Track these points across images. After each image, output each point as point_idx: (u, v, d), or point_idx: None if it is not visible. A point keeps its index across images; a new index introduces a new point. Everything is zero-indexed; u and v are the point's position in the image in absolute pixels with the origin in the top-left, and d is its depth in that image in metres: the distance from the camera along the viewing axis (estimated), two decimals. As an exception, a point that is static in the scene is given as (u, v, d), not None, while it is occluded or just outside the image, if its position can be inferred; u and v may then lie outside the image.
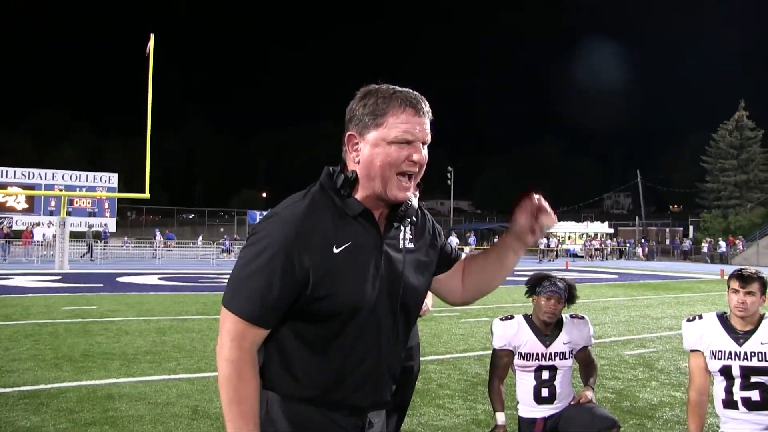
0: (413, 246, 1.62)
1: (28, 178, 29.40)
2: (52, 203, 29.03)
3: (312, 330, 1.48)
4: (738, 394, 2.82)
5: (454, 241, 32.56)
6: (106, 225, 30.00)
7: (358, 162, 1.50)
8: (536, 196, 1.62)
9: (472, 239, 36.36)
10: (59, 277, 16.46)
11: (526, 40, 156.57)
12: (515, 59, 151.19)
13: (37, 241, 24.95)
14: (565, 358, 3.29)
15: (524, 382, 3.31)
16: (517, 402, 3.37)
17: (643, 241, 41.61)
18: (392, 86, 1.52)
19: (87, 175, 31.02)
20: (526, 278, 3.45)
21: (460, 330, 8.83)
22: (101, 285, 14.60)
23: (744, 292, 2.83)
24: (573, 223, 45.04)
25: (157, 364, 6.27)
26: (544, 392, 3.26)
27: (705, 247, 37.70)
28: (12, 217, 28.41)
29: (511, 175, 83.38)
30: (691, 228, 43.80)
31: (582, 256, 37.51)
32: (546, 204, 1.62)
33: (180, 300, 11.95)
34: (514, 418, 3.44)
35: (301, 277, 1.43)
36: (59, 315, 9.45)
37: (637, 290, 16.57)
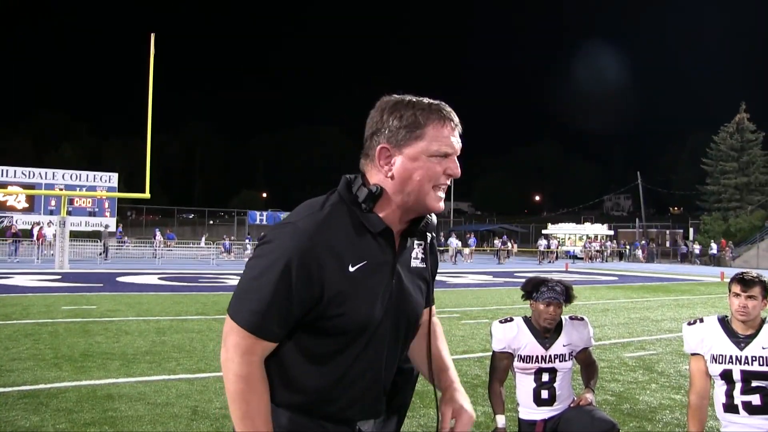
0: (423, 265, 1.60)
1: (29, 177, 29.44)
2: (53, 203, 29.06)
3: (315, 344, 1.45)
4: (739, 398, 2.81)
5: (454, 242, 32.55)
6: (120, 225, 30.03)
7: (391, 176, 1.44)
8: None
9: (472, 240, 36.32)
10: (59, 277, 16.46)
11: (525, 41, 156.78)
12: (514, 60, 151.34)
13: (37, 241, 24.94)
14: (565, 360, 3.29)
15: (524, 385, 3.31)
16: (517, 404, 3.37)
17: (643, 242, 41.62)
18: (421, 98, 1.49)
19: (87, 175, 31.07)
20: (524, 280, 3.45)
21: (459, 332, 8.83)
22: (101, 285, 14.59)
23: (745, 296, 2.82)
24: (573, 224, 45.07)
25: (156, 364, 6.27)
26: (544, 394, 3.26)
27: (697, 249, 37.92)
28: (12, 216, 28.41)
29: (511, 176, 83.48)
30: (691, 230, 43.79)
31: (582, 258, 37.50)
32: None
33: (180, 300, 11.95)
34: (514, 420, 3.44)
35: (315, 293, 1.38)
36: (59, 315, 9.45)
37: (637, 292, 16.57)
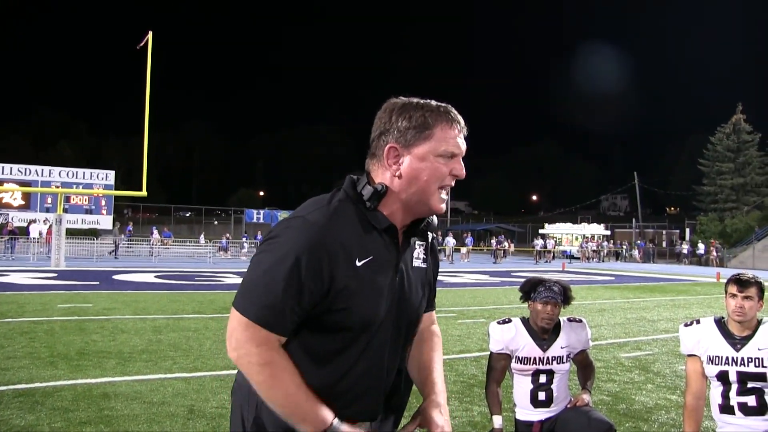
0: (424, 265, 1.63)
1: (25, 174, 29.34)
2: (49, 200, 28.96)
3: (319, 342, 1.46)
4: (735, 400, 2.82)
5: (451, 241, 32.56)
6: (130, 222, 29.94)
7: (399, 175, 1.48)
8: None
9: (469, 240, 36.33)
10: (55, 275, 16.41)
11: (524, 42, 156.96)
12: (513, 60, 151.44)
13: (33, 238, 24.85)
14: (563, 362, 3.29)
15: (521, 386, 3.31)
16: (514, 405, 3.37)
17: (638, 243, 41.70)
18: (428, 100, 1.53)
19: (84, 173, 30.95)
20: (522, 279, 3.45)
21: (456, 331, 8.83)
22: (97, 283, 14.56)
23: (742, 297, 2.83)
24: (570, 224, 45.09)
25: (152, 363, 6.25)
26: (541, 395, 3.26)
27: (685, 249, 38.21)
28: (9, 214, 28.33)
29: (509, 176, 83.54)
30: (687, 231, 43.89)
31: (579, 258, 37.55)
32: None
33: (176, 298, 11.92)
34: (511, 421, 3.44)
35: (324, 286, 1.40)
36: (55, 312, 9.42)
37: (633, 292, 16.60)
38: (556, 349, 3.28)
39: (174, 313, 9.81)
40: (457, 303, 12.52)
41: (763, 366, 2.78)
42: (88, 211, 30.20)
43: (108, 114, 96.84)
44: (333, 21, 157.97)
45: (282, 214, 38.25)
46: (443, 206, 1.53)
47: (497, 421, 3.21)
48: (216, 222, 54.10)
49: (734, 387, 2.82)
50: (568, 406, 3.24)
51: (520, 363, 3.27)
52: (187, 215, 59.30)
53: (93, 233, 27.47)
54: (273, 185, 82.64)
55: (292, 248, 1.38)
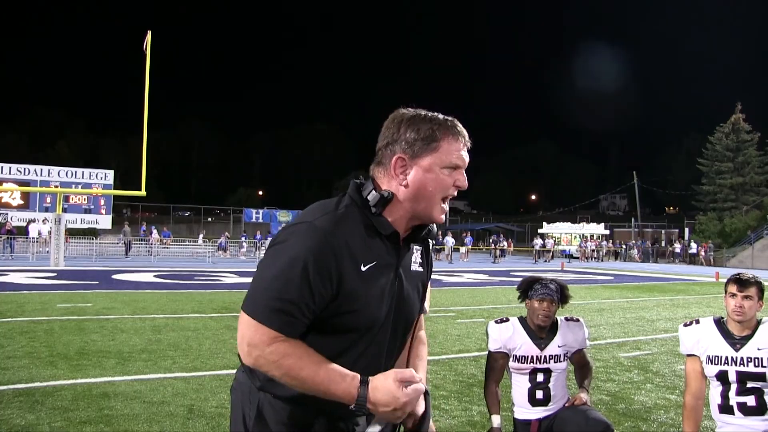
0: (421, 269, 1.68)
1: (24, 174, 29.32)
2: (48, 200, 28.93)
3: (322, 343, 1.48)
4: (734, 400, 2.82)
5: (450, 240, 32.57)
6: (143, 223, 29.86)
7: (406, 185, 1.53)
8: None
9: (468, 239, 36.33)
10: (54, 274, 16.41)
11: (522, 41, 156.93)
12: (512, 60, 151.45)
13: (33, 238, 24.83)
14: (560, 361, 3.30)
15: (519, 385, 3.32)
16: (512, 404, 3.38)
17: (638, 242, 41.72)
18: (435, 113, 1.57)
19: (83, 172, 30.94)
20: (520, 279, 3.46)
21: (455, 331, 8.84)
22: (96, 282, 14.56)
23: (741, 296, 2.83)
24: (569, 224, 45.11)
25: (152, 362, 6.26)
26: (539, 394, 3.27)
27: (678, 248, 38.36)
28: (7, 213, 28.30)
29: (508, 176, 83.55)
30: (686, 230, 43.92)
31: (578, 258, 37.57)
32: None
33: (175, 298, 11.92)
34: (510, 420, 3.45)
35: (332, 290, 1.43)
36: (54, 312, 9.42)
37: (632, 292, 16.61)
38: (554, 348, 3.29)
39: (173, 313, 9.81)
40: (456, 302, 12.52)
41: (762, 366, 2.78)
42: (87, 211, 30.19)
43: (106, 113, 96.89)
44: (333, 21, 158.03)
45: (281, 214, 38.25)
46: (443, 216, 1.60)
47: (496, 420, 3.21)
48: (210, 219, 54.01)
49: (734, 387, 2.83)
50: (566, 404, 3.25)
51: (518, 362, 3.28)
52: (186, 215, 59.25)
53: (92, 233, 27.43)
54: (272, 185, 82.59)
55: (300, 252, 1.41)
